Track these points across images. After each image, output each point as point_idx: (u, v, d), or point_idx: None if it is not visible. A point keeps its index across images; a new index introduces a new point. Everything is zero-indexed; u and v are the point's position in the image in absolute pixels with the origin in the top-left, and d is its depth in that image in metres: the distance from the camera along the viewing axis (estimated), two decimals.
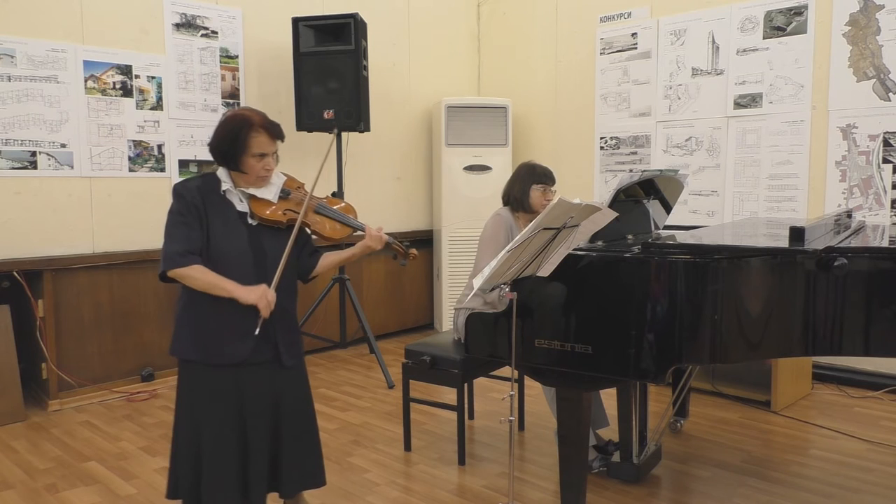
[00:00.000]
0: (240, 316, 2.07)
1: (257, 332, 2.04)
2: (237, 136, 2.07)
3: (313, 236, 2.30)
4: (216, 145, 2.12)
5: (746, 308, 2.13)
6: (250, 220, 2.14)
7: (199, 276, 2.04)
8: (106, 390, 4.12)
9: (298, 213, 2.16)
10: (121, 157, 4.20)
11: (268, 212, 2.14)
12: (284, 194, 2.21)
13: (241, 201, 2.15)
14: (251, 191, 2.14)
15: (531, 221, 3.22)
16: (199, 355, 2.10)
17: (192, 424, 2.13)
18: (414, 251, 2.43)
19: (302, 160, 4.61)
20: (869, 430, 3.47)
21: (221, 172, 2.15)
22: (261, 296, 2.04)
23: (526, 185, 3.16)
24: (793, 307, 2.11)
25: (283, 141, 2.16)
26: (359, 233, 2.34)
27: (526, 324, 2.35)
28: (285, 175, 2.27)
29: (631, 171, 4.95)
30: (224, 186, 2.13)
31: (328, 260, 2.34)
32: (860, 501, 2.73)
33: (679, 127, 4.85)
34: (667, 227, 3.30)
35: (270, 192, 2.17)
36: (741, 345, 2.15)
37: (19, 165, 3.84)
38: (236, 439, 2.12)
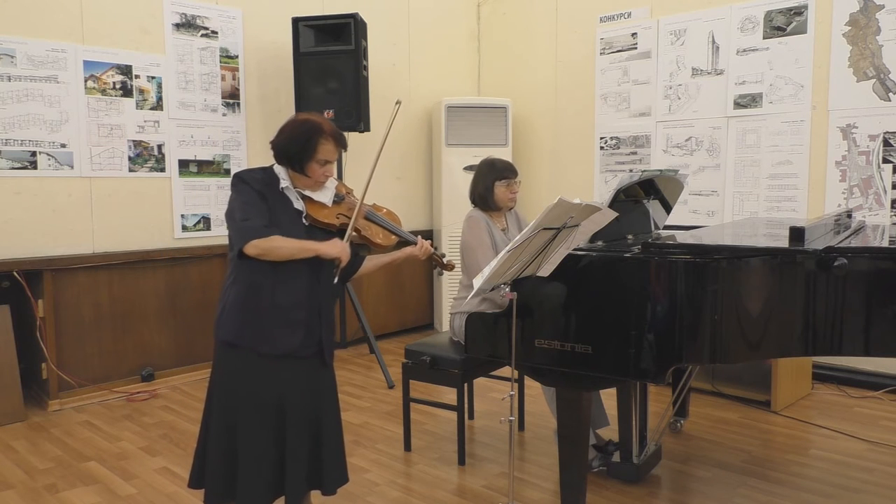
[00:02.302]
0: (293, 306, 2.11)
1: (336, 280, 2.15)
2: (308, 141, 2.12)
3: (361, 242, 2.34)
4: (284, 146, 2.16)
5: (746, 308, 2.13)
6: (304, 221, 2.18)
7: (284, 243, 2.06)
8: (106, 390, 4.12)
9: (350, 218, 2.20)
10: (121, 157, 4.20)
11: (322, 215, 2.19)
12: (338, 199, 2.26)
13: (298, 200, 2.18)
14: (307, 192, 2.19)
15: (503, 217, 3.24)
16: (249, 341, 2.11)
17: (228, 413, 2.13)
18: (452, 262, 2.50)
19: None
20: (869, 430, 3.47)
21: (280, 170, 2.19)
22: (343, 247, 2.12)
23: (488, 183, 3.13)
24: (793, 307, 2.11)
25: (346, 150, 2.26)
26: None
27: (526, 324, 2.36)
28: (336, 180, 2.31)
29: (631, 171, 4.95)
30: (283, 184, 2.17)
31: (371, 263, 2.40)
32: (860, 501, 2.73)
33: (679, 127, 4.85)
34: (667, 227, 3.30)
35: (326, 196, 2.22)
36: (741, 345, 2.15)
37: (19, 165, 3.84)
38: (274, 434, 2.13)
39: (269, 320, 2.11)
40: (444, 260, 2.47)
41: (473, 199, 3.21)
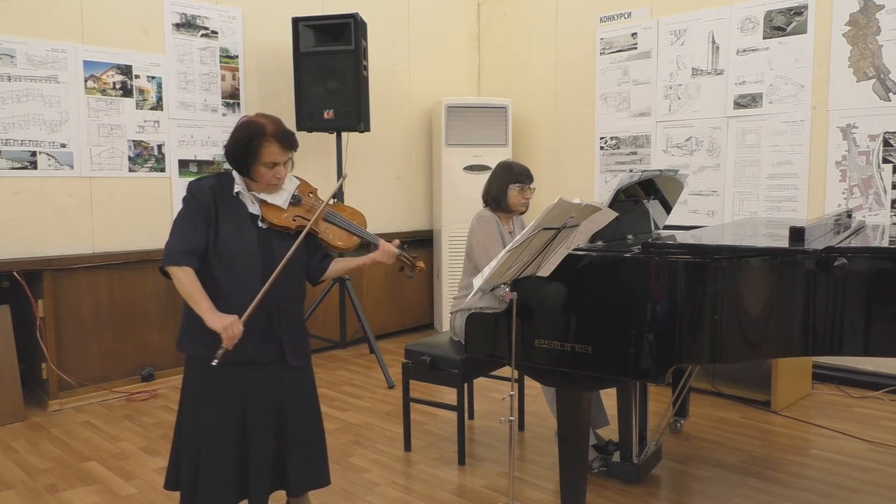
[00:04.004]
0: (242, 314, 2.07)
1: (215, 363, 1.98)
2: (249, 144, 2.06)
3: (322, 244, 2.30)
4: (230, 150, 2.12)
5: (746, 308, 2.13)
6: (261, 224, 2.15)
7: (185, 280, 2.04)
8: (106, 390, 4.12)
9: (308, 220, 2.16)
10: (121, 157, 4.20)
11: (278, 218, 2.15)
12: (295, 200, 2.21)
13: (253, 203, 2.16)
14: (262, 196, 2.15)
15: (511, 220, 3.24)
16: (203, 352, 2.09)
17: (194, 418, 2.14)
18: (421, 263, 2.38)
19: (301, 159, 4.61)
20: (869, 430, 3.47)
21: (235, 174, 2.16)
22: (227, 326, 1.99)
23: (503, 185, 3.13)
24: (793, 307, 2.11)
25: (295, 150, 2.15)
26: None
27: (526, 324, 2.35)
28: (299, 179, 2.27)
29: (631, 171, 4.94)
30: (237, 188, 2.13)
31: (338, 266, 2.34)
32: (860, 501, 2.73)
33: (679, 127, 4.85)
34: (667, 227, 3.30)
35: (281, 198, 2.18)
36: (741, 345, 2.15)
37: (19, 165, 3.84)
38: (235, 438, 2.13)
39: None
40: (415, 261, 2.35)
41: (486, 200, 3.21)
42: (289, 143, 2.10)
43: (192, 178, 4.40)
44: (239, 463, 2.14)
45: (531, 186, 3.19)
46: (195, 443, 2.13)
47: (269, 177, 2.10)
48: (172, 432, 3.27)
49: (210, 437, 2.11)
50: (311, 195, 2.28)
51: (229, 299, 2.07)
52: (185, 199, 2.11)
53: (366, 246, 2.33)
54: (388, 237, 2.38)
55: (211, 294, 2.07)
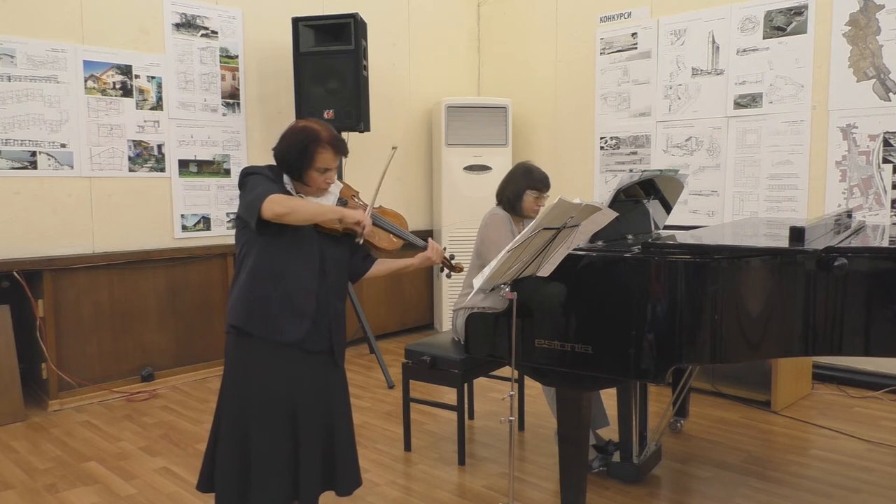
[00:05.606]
0: (301, 295, 2.08)
1: (360, 241, 2.10)
2: (305, 150, 2.09)
3: (366, 246, 2.31)
4: (282, 154, 2.13)
5: (746, 308, 2.13)
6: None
7: (304, 203, 2.01)
8: (106, 390, 4.12)
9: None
10: (121, 157, 4.20)
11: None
12: (341, 203, 2.23)
13: None
14: (310, 199, 2.16)
15: (522, 222, 3.23)
16: (255, 327, 2.08)
17: (240, 415, 2.10)
18: (460, 264, 2.45)
19: None
20: (869, 430, 3.47)
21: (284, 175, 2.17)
22: (364, 215, 2.07)
23: (520, 189, 3.11)
24: (793, 307, 2.11)
25: (346, 156, 2.21)
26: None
27: (526, 324, 2.36)
28: (341, 183, 2.29)
29: (631, 171, 4.95)
30: (286, 187, 2.15)
31: (383, 266, 2.36)
32: (860, 501, 2.73)
33: (679, 127, 4.85)
34: (667, 227, 3.30)
35: (328, 201, 2.19)
36: (741, 345, 2.15)
37: (19, 165, 3.84)
38: (288, 435, 2.10)
39: (275, 307, 2.08)
40: (454, 262, 2.43)
41: (500, 199, 3.19)
42: (341, 149, 2.16)
43: (192, 178, 4.45)
44: (290, 462, 2.11)
45: (547, 195, 3.16)
46: (238, 441, 2.09)
47: (320, 181, 2.13)
48: (174, 432, 3.27)
49: (260, 434, 2.08)
50: (354, 198, 2.30)
51: (286, 279, 2.07)
52: (250, 176, 2.09)
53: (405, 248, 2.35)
54: None
55: (268, 269, 2.07)
